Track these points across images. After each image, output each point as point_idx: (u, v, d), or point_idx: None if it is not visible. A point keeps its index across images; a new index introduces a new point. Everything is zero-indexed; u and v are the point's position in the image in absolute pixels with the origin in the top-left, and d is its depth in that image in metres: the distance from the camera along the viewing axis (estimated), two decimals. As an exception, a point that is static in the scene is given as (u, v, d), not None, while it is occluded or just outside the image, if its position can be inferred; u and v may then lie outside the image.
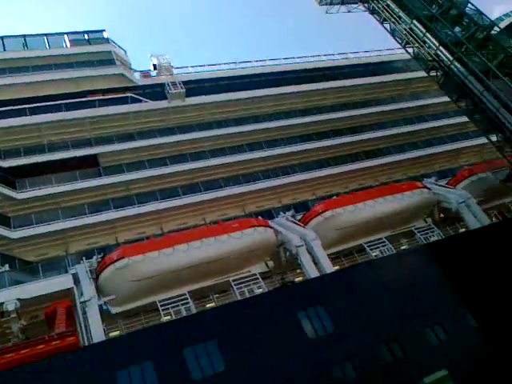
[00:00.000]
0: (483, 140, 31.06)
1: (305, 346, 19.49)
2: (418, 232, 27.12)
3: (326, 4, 33.88)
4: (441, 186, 29.84)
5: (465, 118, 30.86)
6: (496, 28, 29.20)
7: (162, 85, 33.36)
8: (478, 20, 29.13)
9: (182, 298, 22.00)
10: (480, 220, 27.29)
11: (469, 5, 29.83)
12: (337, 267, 24.95)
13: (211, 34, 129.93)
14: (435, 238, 26.60)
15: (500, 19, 46.99)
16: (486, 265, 23.43)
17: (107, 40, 34.63)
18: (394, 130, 36.83)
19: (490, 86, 25.72)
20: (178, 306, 21.61)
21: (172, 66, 34.98)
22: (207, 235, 23.60)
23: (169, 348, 18.24)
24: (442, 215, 29.69)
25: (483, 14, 29.49)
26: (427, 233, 27.13)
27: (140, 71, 35.65)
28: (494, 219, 29.40)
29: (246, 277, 23.58)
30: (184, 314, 21.21)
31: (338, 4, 33.82)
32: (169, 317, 21.29)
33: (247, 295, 22.34)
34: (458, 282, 22.99)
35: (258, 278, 23.44)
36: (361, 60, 40.96)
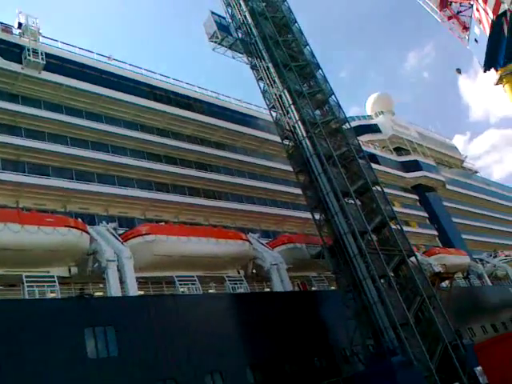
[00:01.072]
0: (308, 215, 34.11)
1: (82, 366, 18.34)
2: (229, 280, 28.13)
3: (216, 43, 34.88)
4: (261, 244, 31.68)
5: (299, 191, 33.55)
6: (347, 125, 33.07)
7: (21, 47, 30.36)
8: (336, 112, 32.76)
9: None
10: (285, 285, 29.56)
11: (333, 97, 33.51)
12: (142, 292, 24.44)
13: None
14: (242, 290, 27.87)
15: (351, 118, 53.36)
16: (278, 327, 25.39)
17: None
18: (238, 180, 38.42)
19: (327, 171, 28.57)
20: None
21: (40, 33, 32.18)
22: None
23: None
24: (254, 271, 31.42)
25: (341, 108, 33.35)
26: (236, 283, 28.29)
27: (1, 23, 32.08)
28: (296, 288, 31.92)
29: (42, 276, 21.69)
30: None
31: (225, 47, 35.08)
32: None
33: (37, 297, 20.47)
34: (249, 337, 24.38)
35: (54, 281, 21.69)
36: (230, 104, 42.62)
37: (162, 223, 29.76)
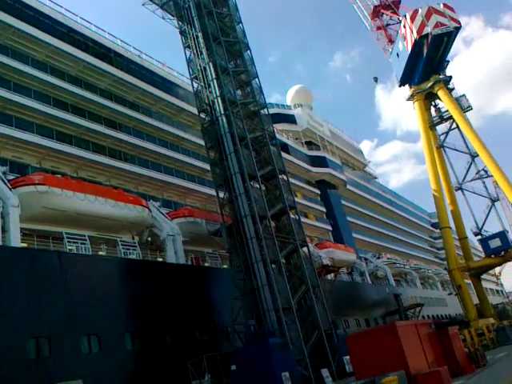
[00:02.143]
0: (212, 192, 34.16)
1: None
2: (122, 244, 27.39)
3: (146, -3, 33.30)
4: (161, 213, 31.18)
5: (207, 166, 33.37)
6: (265, 110, 33.40)
7: None
8: (257, 95, 32.93)
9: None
10: (178, 257, 29.45)
11: (256, 80, 33.62)
12: (25, 245, 22.96)
13: None
14: (133, 257, 27.30)
15: (271, 104, 53.98)
16: (164, 298, 25.29)
17: None
18: (148, 145, 37.24)
19: (238, 152, 28.74)
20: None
21: None
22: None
23: None
24: (149, 239, 30.90)
25: (263, 93, 33.60)
26: (129, 248, 27.64)
27: None
28: (189, 261, 31.94)
29: None
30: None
31: (157, 5, 33.63)
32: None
33: None
34: (133, 304, 24.01)
35: None
36: (152, 66, 41.04)
37: (59, 176, 28.07)
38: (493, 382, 18.43)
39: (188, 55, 32.14)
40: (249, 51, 34.03)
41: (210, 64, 30.76)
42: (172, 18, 33.83)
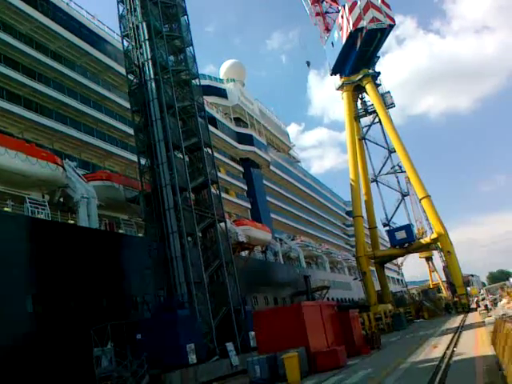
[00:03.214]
0: (134, 158, 33.07)
1: None
2: (30, 202, 25.78)
3: None
4: (77, 173, 29.67)
5: (131, 131, 32.17)
6: (197, 80, 32.63)
7: None
8: (189, 64, 32.02)
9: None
10: (91, 221, 28.23)
11: (191, 48, 32.65)
12: None
13: None
14: (42, 217, 25.84)
15: (203, 75, 52.87)
16: (73, 262, 24.24)
17: None
18: (70, 100, 35.07)
19: (165, 119, 27.90)
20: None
21: None
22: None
23: None
24: (62, 199, 29.33)
25: (196, 63, 32.75)
26: (37, 207, 26.09)
27: None
28: (102, 227, 30.83)
29: None
30: None
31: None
32: None
33: None
34: (37, 266, 22.80)
35: None
36: (80, 16, 38.50)
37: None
38: (384, 361, 19.73)
39: (121, 10, 30.45)
40: (186, 17, 32.87)
41: (144, 23, 29.35)
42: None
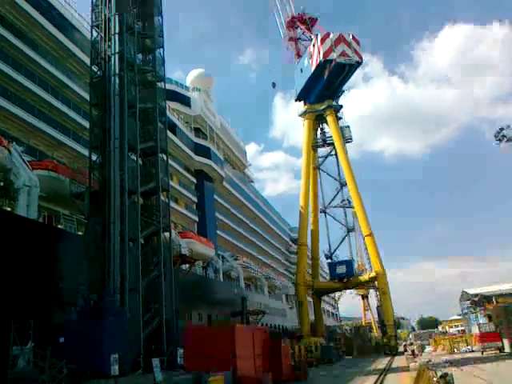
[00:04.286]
0: (85, 151, 31.74)
1: None
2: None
3: None
4: (22, 159, 27.97)
5: (86, 123, 30.92)
6: (162, 84, 31.88)
7: None
8: (157, 66, 31.29)
9: None
10: (30, 211, 26.60)
11: (161, 50, 31.98)
12: None
13: None
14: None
15: (169, 80, 52.08)
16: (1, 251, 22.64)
17: None
18: (25, 81, 33.38)
19: (124, 118, 26.86)
20: None
21: None
22: None
23: None
24: (2, 184, 27.56)
25: (164, 65, 32.07)
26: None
27: None
28: (41, 219, 29.17)
29: None
30: None
31: None
32: None
33: None
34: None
35: None
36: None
37: None
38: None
39: (93, 2, 29.47)
40: (160, 18, 32.23)
41: (117, 17, 28.39)
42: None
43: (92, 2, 29.60)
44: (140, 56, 31.03)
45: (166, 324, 26.57)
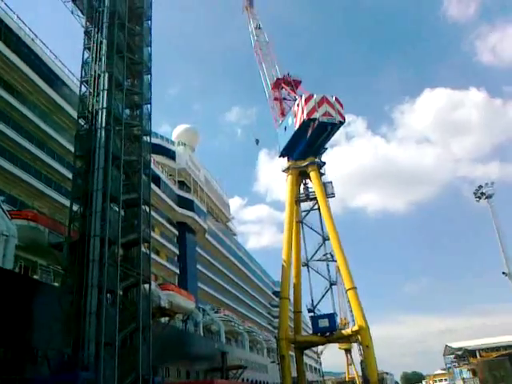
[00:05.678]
0: (66, 201, 31.83)
1: None
2: None
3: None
4: (1, 208, 27.96)
5: (69, 174, 31.19)
6: (148, 138, 32.58)
7: None
8: (144, 121, 32.13)
9: None
10: (6, 261, 26.18)
11: (148, 106, 32.95)
12: None
13: None
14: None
15: (155, 134, 53.13)
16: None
17: None
18: (11, 133, 33.92)
19: (108, 170, 27.29)
20: None
21: None
22: None
23: None
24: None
25: (150, 121, 32.93)
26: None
27: None
28: (17, 269, 28.78)
29: None
30: None
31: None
32: None
33: None
34: None
35: None
36: (43, 54, 38.33)
37: None
38: None
39: (86, 57, 30.59)
40: (149, 76, 33.48)
41: (106, 74, 29.47)
42: (81, 16, 32.24)
43: (82, 59, 30.71)
44: (127, 111, 31.89)
45: (142, 380, 25.89)
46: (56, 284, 30.54)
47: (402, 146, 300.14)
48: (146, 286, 29.33)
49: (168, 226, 60.64)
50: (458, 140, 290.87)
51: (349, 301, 58.75)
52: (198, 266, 66.72)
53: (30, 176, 35.53)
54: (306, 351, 67.85)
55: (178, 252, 61.88)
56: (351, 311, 58.83)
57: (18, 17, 36.37)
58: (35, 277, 30.33)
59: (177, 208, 62.59)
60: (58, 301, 24.95)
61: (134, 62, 32.39)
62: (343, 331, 58.00)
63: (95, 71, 29.77)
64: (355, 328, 55.01)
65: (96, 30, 30.66)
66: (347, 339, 63.30)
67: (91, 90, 29.51)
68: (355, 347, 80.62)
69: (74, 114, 32.20)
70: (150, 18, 34.91)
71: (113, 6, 31.10)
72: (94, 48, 30.21)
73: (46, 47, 39.32)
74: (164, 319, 41.05)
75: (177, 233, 63.15)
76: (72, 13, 32.31)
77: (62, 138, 39.11)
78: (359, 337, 56.35)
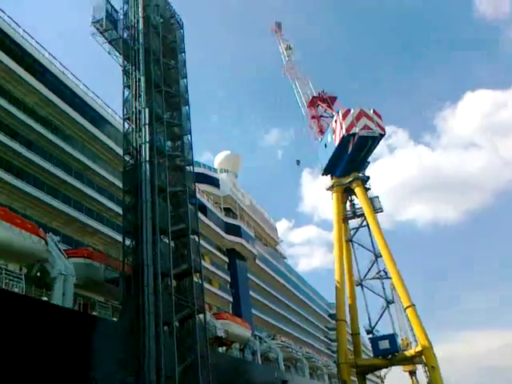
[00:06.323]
0: (118, 237, 32.35)
1: None
2: (6, 273, 24.60)
3: (98, 30, 32.63)
4: (58, 248, 28.76)
5: (119, 209, 31.86)
6: (191, 167, 32.99)
7: None
8: (186, 151, 32.63)
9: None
10: (66, 299, 26.81)
11: (188, 136, 33.50)
12: None
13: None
14: (16, 290, 24.57)
15: (198, 163, 53.78)
16: (40, 341, 22.67)
17: None
18: (57, 171, 35.18)
19: (155, 203, 27.72)
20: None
21: None
22: None
23: None
24: (38, 274, 28.12)
25: (192, 150, 33.41)
26: (13, 279, 24.85)
27: None
28: (77, 307, 29.33)
29: None
30: None
31: (106, 39, 33.06)
32: None
33: None
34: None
35: None
36: (87, 97, 39.97)
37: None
38: None
39: (126, 95, 31.55)
40: (187, 107, 34.15)
41: (147, 109, 30.26)
42: (118, 55, 33.42)
43: (123, 98, 31.66)
44: (169, 143, 32.49)
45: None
46: (115, 319, 30.88)
47: (447, 153, 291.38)
48: (201, 316, 29.21)
49: (218, 253, 60.80)
50: (506, 142, 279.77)
51: (408, 319, 56.33)
52: (251, 293, 66.23)
53: (83, 214, 36.59)
54: (369, 375, 65.40)
55: (229, 279, 61.74)
56: (412, 330, 56.40)
57: (62, 64, 38.15)
58: (94, 313, 30.82)
59: (225, 235, 62.78)
60: (117, 335, 25.12)
61: (172, 95, 33.14)
62: (406, 352, 55.47)
63: (136, 107, 30.60)
64: (418, 348, 52.55)
65: (133, 67, 31.61)
66: (411, 360, 60.50)
67: (133, 126, 30.29)
68: (420, 369, 77.06)
69: (119, 151, 33.07)
70: (184, 50, 35.87)
71: (147, 43, 32.10)
72: (133, 85, 31.11)
73: (89, 89, 41.02)
74: (222, 349, 40.67)
75: (227, 260, 63.18)
76: (109, 53, 33.53)
77: (111, 174, 40.24)
78: (423, 357, 53.79)
